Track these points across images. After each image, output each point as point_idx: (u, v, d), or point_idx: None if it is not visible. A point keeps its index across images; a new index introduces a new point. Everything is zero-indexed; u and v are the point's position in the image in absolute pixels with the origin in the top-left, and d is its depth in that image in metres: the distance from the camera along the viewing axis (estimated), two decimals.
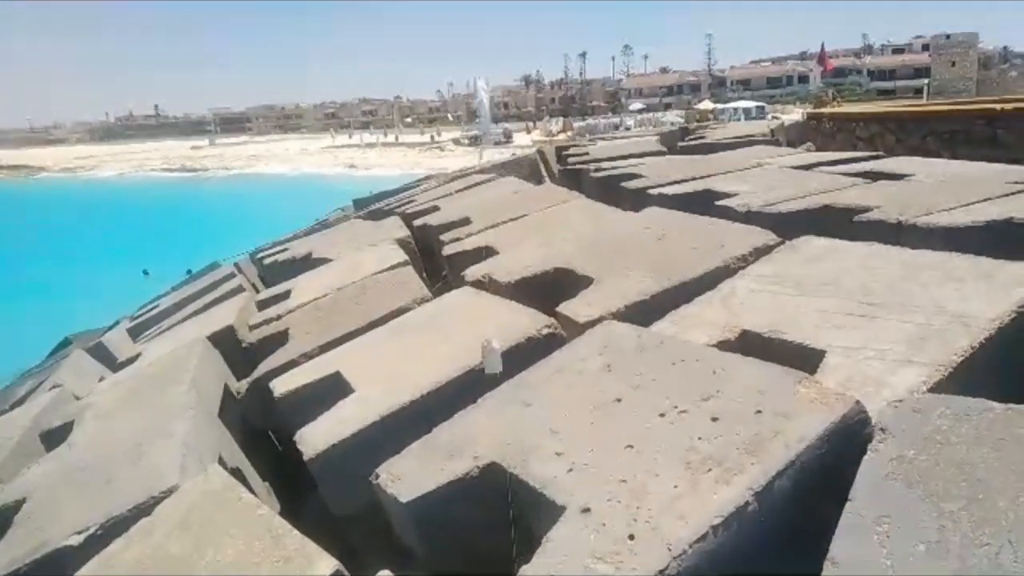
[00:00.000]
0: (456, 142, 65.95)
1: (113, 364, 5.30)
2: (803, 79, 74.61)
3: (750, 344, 2.40)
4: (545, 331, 2.73)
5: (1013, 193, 3.66)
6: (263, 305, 4.62)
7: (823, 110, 12.49)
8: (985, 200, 3.60)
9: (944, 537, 1.35)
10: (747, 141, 8.15)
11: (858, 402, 1.76)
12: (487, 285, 3.63)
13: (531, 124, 73.28)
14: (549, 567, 1.56)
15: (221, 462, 2.64)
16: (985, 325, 2.20)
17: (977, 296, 2.38)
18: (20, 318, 19.58)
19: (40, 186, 70.79)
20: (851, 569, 1.34)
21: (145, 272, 24.67)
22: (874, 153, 6.75)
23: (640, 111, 65.49)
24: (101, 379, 4.82)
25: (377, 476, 2.10)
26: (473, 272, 3.88)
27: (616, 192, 5.59)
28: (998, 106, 8.40)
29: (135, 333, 6.18)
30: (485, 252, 4.25)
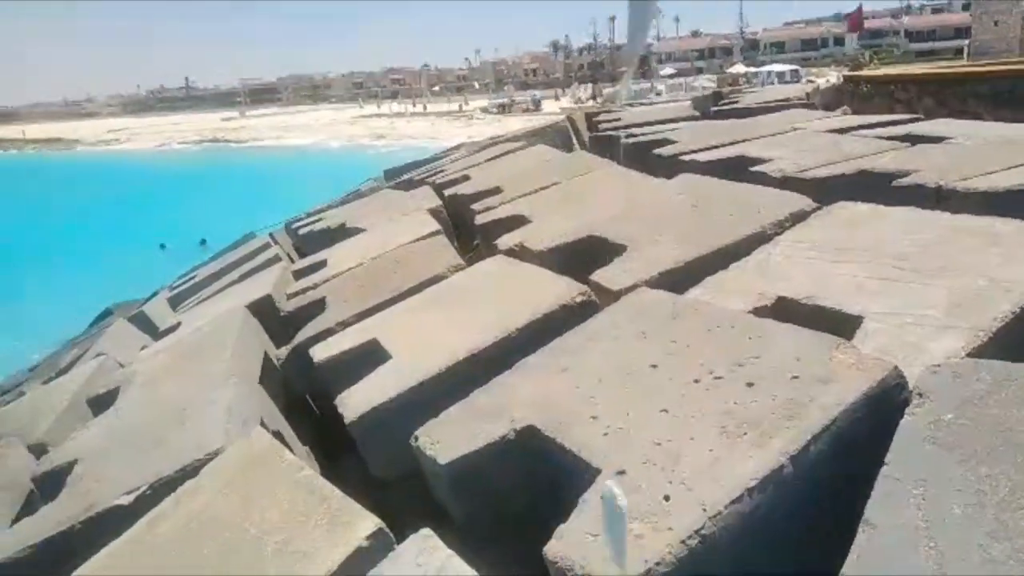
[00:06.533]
0: (484, 110, 65.68)
1: (155, 333, 5.45)
2: (839, 41, 72.06)
3: (786, 311, 2.39)
4: (579, 298, 2.75)
5: None
6: (300, 274, 4.70)
7: (860, 73, 12.13)
8: None
9: (981, 500, 1.35)
10: (782, 105, 7.96)
11: (896, 367, 1.75)
12: (519, 253, 3.64)
13: (560, 91, 72.45)
14: (585, 527, 1.60)
15: (263, 426, 2.70)
16: None
17: (1019, 261, 2.34)
18: (61, 288, 20.16)
19: (75, 158, 72.20)
20: (886, 532, 1.35)
21: (162, 246, 25.45)
22: (913, 116, 6.56)
23: (671, 76, 64.03)
24: (143, 347, 4.96)
25: (416, 438, 2.13)
26: (505, 241, 3.90)
27: (649, 159, 5.53)
28: None
29: (175, 303, 6.32)
30: (517, 221, 4.25)
